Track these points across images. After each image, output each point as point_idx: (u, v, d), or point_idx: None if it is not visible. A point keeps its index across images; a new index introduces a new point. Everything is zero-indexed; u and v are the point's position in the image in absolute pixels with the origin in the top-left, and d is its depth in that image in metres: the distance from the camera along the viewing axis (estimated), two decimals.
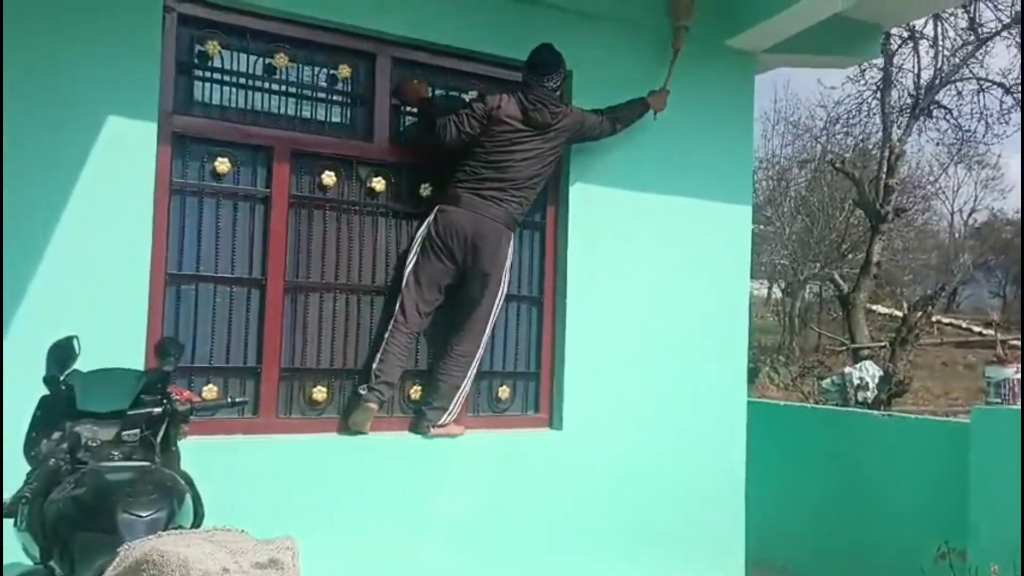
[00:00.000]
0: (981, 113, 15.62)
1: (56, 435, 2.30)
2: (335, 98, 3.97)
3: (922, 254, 22.74)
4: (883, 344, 13.99)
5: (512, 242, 4.00)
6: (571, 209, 4.27)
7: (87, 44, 3.33)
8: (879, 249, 15.30)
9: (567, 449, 4.19)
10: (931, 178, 20.86)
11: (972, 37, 14.41)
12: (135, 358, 3.23)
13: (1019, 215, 26.25)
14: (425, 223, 3.90)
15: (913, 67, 15.22)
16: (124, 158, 3.37)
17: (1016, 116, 15.29)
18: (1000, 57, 40.06)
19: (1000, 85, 15.18)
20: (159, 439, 2.36)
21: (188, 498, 2.20)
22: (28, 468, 2.31)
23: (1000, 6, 13.62)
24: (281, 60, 3.80)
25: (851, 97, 16.14)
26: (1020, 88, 14.35)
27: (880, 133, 15.90)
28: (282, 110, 3.85)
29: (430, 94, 4.05)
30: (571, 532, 4.14)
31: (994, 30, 14.15)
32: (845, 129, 17.19)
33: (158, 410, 2.37)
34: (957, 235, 27.36)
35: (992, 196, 26.71)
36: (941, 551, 4.23)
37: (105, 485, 2.06)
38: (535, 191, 4.04)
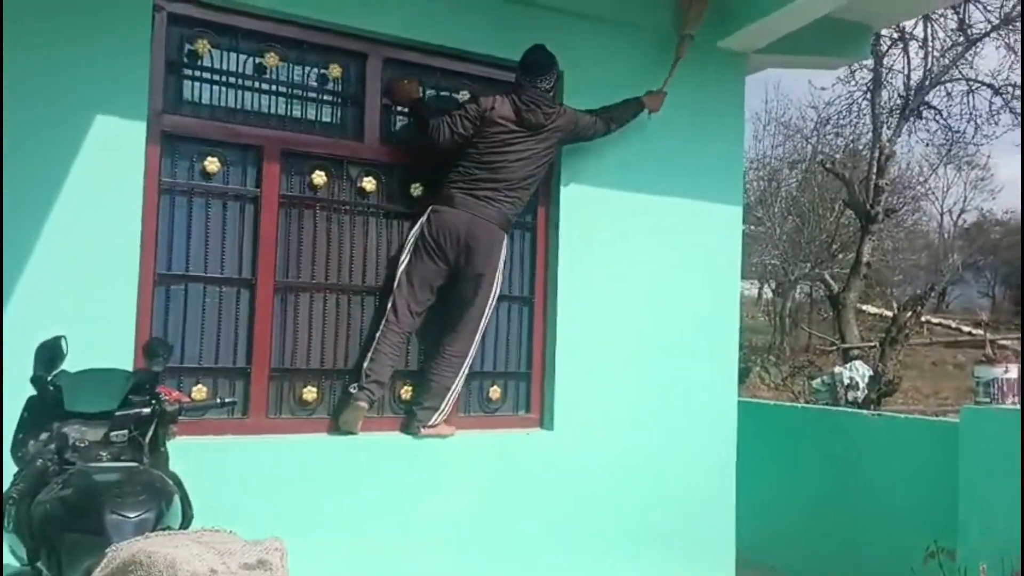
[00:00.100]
0: (970, 114, 15.65)
1: (44, 436, 2.29)
2: (325, 98, 3.96)
3: (912, 254, 22.82)
4: (873, 344, 14.05)
5: (505, 243, 4.00)
6: (561, 209, 4.28)
7: (76, 44, 3.32)
8: (869, 249, 15.36)
9: (558, 449, 4.20)
10: (921, 179, 20.92)
11: (962, 38, 14.46)
12: (124, 358, 3.21)
13: (1008, 216, 26.47)
14: (418, 223, 3.90)
15: (903, 68, 15.26)
16: (113, 157, 3.36)
17: (1005, 117, 15.37)
18: (989, 58, 40.45)
19: (989, 86, 15.23)
20: (147, 440, 2.35)
21: (176, 499, 2.19)
22: (15, 469, 2.31)
23: (989, 7, 13.68)
24: (271, 59, 3.79)
25: (841, 98, 16.17)
26: (1021, 88, 14.41)
27: (870, 134, 15.93)
28: (272, 110, 3.84)
29: (421, 94, 4.05)
30: (561, 532, 4.14)
31: (983, 31, 14.21)
32: (835, 130, 17.24)
33: (147, 411, 2.36)
34: (947, 235, 27.46)
35: (981, 197, 26.83)
36: (930, 550, 4.23)
37: (93, 486, 2.06)
38: (529, 192, 4.04)
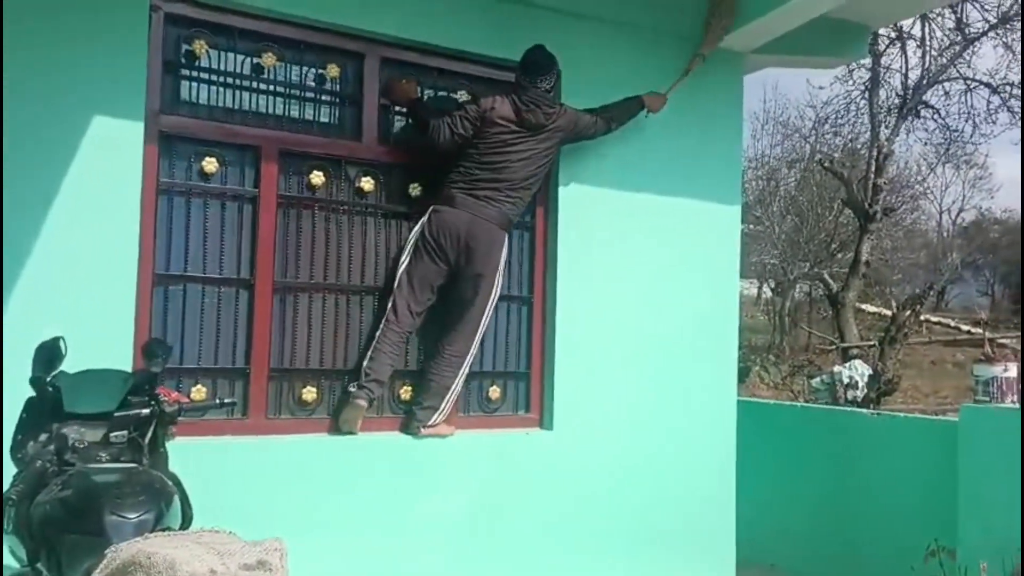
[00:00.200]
0: (968, 113, 15.68)
1: (43, 437, 2.29)
2: (323, 98, 3.95)
3: (910, 253, 22.83)
4: (872, 343, 14.04)
5: (506, 243, 4.00)
6: (561, 209, 4.27)
7: (73, 44, 3.31)
8: (868, 248, 15.36)
9: (557, 449, 4.19)
10: (919, 178, 20.90)
11: (959, 37, 14.47)
12: (123, 359, 3.21)
13: (1007, 214, 26.49)
14: (419, 223, 3.90)
15: (901, 67, 15.28)
16: (111, 158, 3.36)
17: (1003, 116, 15.39)
18: (987, 57, 40.50)
19: (987, 85, 15.24)
20: (147, 440, 2.35)
21: (176, 500, 2.19)
22: (15, 470, 2.30)
23: (987, 6, 13.70)
24: (269, 59, 3.79)
25: (839, 97, 16.18)
26: (1021, 87, 14.42)
27: (868, 133, 15.95)
28: (270, 110, 3.83)
29: (419, 94, 4.04)
30: (561, 532, 4.14)
31: (981, 30, 14.22)
32: (834, 129, 17.24)
33: (146, 411, 2.36)
34: (945, 234, 27.48)
35: (980, 195, 26.85)
36: (931, 549, 4.24)
37: (92, 487, 2.06)
38: (530, 192, 4.04)
